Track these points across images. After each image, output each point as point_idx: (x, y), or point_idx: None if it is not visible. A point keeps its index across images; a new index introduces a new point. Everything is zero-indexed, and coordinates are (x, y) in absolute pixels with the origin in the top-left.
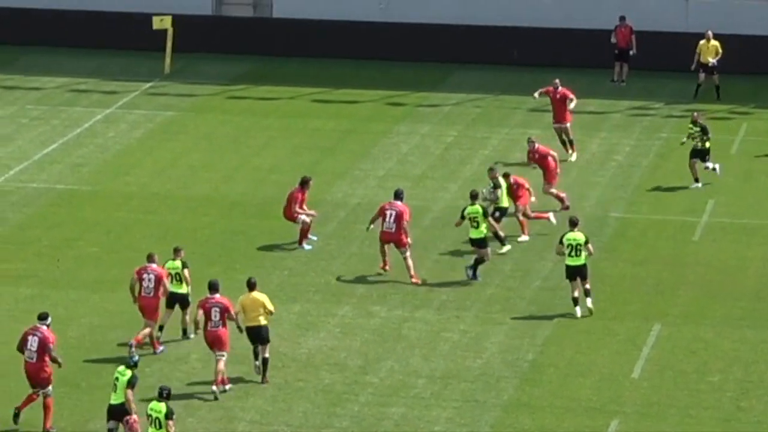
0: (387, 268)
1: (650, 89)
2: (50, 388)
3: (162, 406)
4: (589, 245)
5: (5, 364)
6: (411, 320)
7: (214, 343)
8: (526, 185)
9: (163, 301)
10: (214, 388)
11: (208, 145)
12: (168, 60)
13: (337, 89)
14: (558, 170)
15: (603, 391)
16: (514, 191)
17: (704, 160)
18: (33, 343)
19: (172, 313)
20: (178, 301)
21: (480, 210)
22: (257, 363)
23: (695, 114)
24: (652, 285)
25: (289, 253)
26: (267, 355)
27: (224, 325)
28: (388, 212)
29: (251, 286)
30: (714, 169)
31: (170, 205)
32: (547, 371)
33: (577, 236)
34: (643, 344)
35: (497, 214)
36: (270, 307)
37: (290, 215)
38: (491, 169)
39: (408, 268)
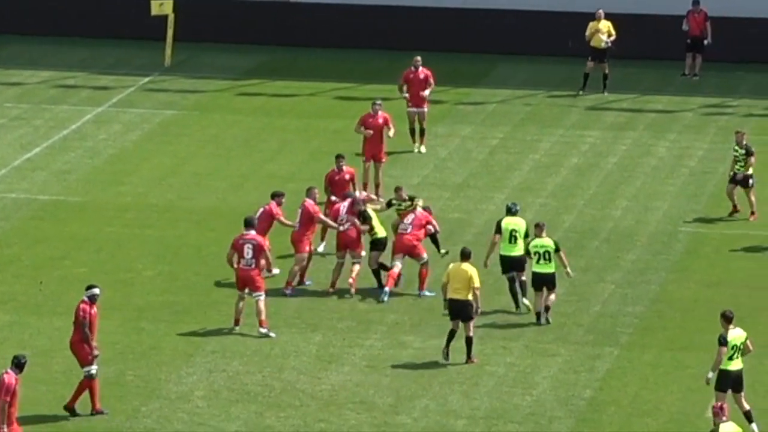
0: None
1: (728, 84)
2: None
3: (548, 241)
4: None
5: None
6: (450, 351)
7: (247, 282)
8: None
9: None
10: (261, 330)
11: (215, 149)
12: (168, 51)
13: (364, 84)
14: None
15: None
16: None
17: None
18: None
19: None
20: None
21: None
22: (447, 350)
23: (739, 134)
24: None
25: (308, 273)
26: (471, 333)
27: (257, 265)
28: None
29: (465, 256)
30: None
31: (171, 219)
32: (607, 410)
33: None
34: None
35: None
36: (476, 283)
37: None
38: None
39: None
